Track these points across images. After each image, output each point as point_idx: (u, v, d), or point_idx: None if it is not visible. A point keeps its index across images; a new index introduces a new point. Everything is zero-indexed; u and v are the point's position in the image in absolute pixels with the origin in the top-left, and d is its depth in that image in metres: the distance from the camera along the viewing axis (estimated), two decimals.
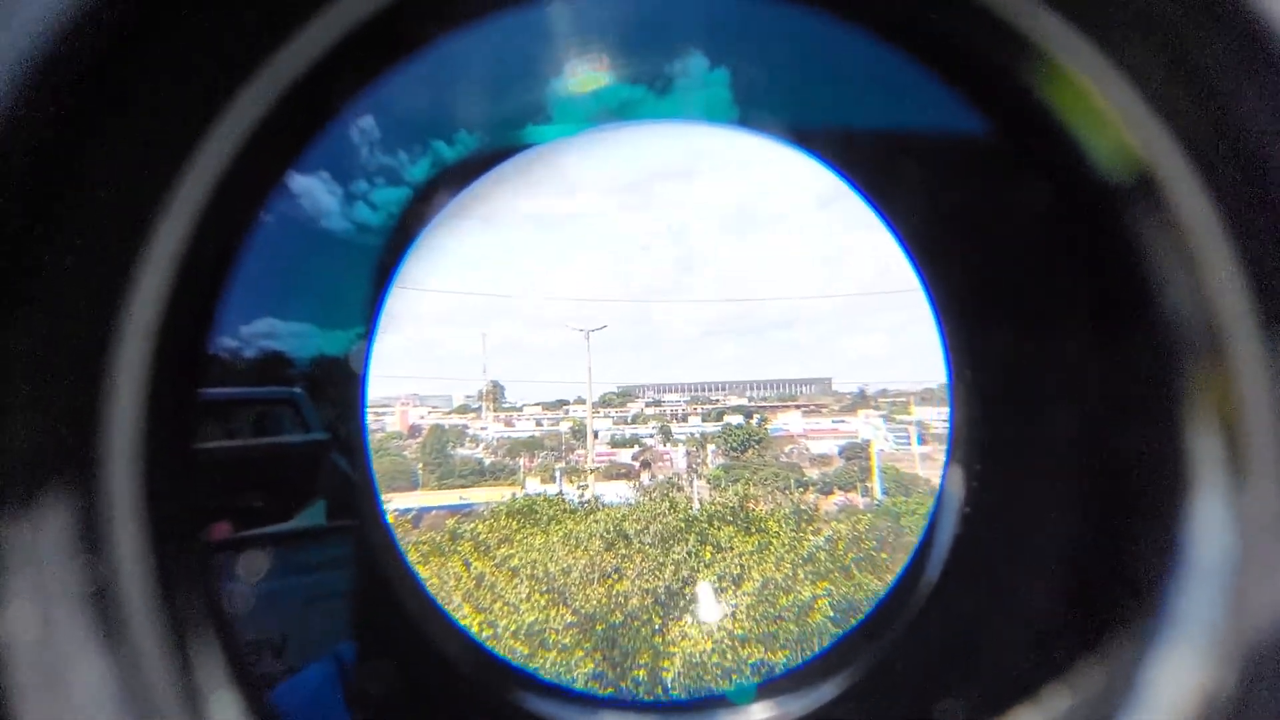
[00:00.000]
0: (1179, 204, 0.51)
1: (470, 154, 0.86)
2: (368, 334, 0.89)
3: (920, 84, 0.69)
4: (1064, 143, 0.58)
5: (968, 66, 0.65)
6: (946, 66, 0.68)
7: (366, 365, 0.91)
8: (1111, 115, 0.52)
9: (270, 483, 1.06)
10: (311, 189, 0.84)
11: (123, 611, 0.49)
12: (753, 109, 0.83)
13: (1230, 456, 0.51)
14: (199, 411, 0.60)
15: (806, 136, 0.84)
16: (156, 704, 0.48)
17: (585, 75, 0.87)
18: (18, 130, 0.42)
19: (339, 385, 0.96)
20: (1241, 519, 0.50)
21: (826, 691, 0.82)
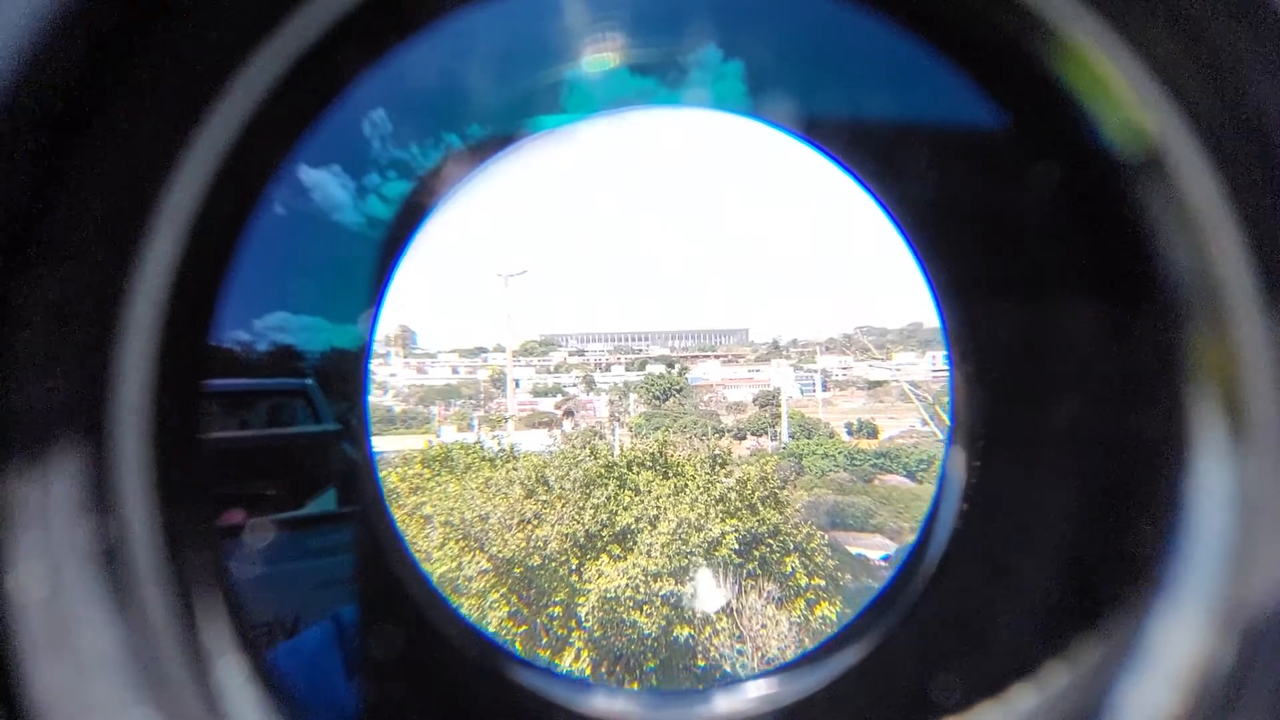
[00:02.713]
0: (1188, 182, 0.49)
1: (476, 140, 0.84)
2: (369, 323, 0.87)
3: (928, 66, 0.68)
4: (1074, 122, 0.57)
5: (979, 46, 0.64)
6: (956, 46, 0.67)
7: (369, 354, 0.89)
8: (1123, 93, 0.51)
9: (284, 471, 1.06)
10: (321, 181, 0.83)
11: (131, 573, 0.49)
12: (764, 98, 0.80)
13: (1232, 433, 0.50)
14: (208, 375, 0.59)
15: (812, 123, 0.82)
16: (164, 665, 0.49)
17: (597, 62, 0.84)
18: (26, 99, 0.42)
19: (347, 376, 0.94)
20: (1243, 494, 0.50)
21: (827, 671, 0.80)
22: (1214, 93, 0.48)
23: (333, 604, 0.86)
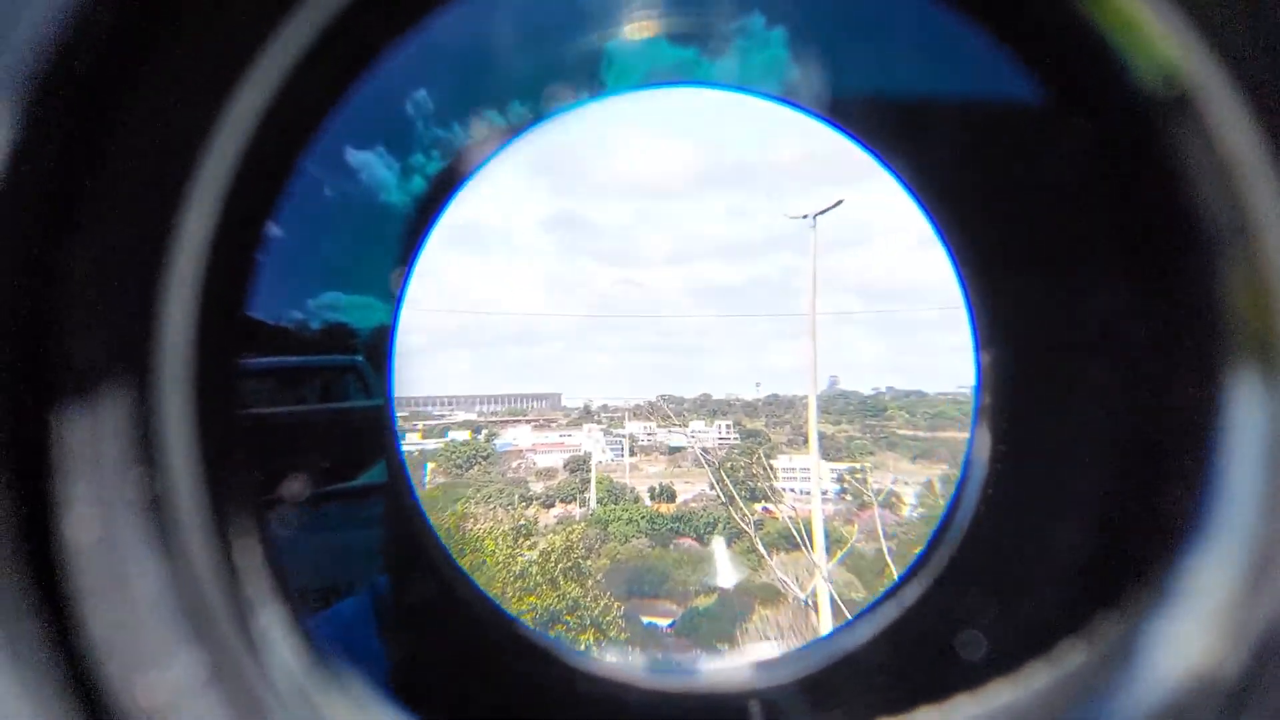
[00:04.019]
0: (1221, 123, 0.48)
1: (511, 112, 0.83)
2: (395, 301, 0.88)
3: (951, 24, 0.67)
4: (1102, 65, 0.55)
5: None
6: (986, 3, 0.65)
7: (395, 329, 0.89)
8: (1152, 30, 0.49)
9: (337, 443, 0.96)
10: (366, 162, 0.83)
11: (177, 523, 0.51)
12: (803, 66, 0.78)
13: (1268, 386, 0.49)
14: (246, 344, 0.61)
15: (836, 94, 0.80)
16: (209, 611, 0.51)
17: (634, 32, 0.82)
18: (69, 67, 0.44)
19: (385, 351, 0.90)
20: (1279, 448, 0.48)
21: (853, 638, 0.80)
22: (1248, 27, 0.46)
23: (372, 571, 0.82)
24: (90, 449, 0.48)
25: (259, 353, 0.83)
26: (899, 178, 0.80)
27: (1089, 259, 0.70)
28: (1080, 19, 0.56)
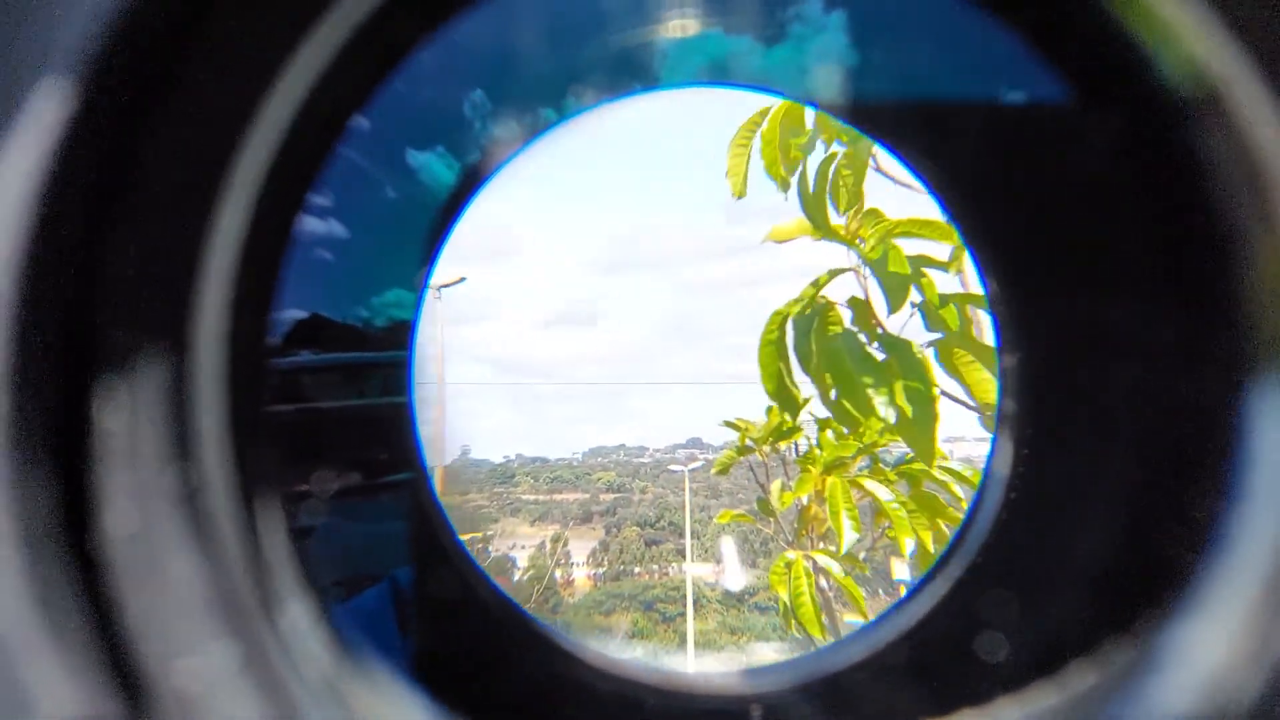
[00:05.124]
0: (1251, 123, 0.47)
1: (544, 107, 0.83)
2: (419, 289, 0.89)
3: (979, 27, 0.67)
4: (1127, 64, 0.55)
5: None
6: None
7: (415, 327, 0.90)
8: (1182, 27, 0.49)
9: (393, 436, 0.97)
10: (427, 162, 0.83)
11: (211, 517, 0.52)
12: (826, 70, 0.76)
13: None
14: (279, 333, 0.63)
15: (863, 100, 0.79)
16: (241, 602, 0.52)
17: (686, 24, 0.81)
18: (114, 65, 0.45)
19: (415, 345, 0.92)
20: None
21: (869, 642, 0.80)
22: (1278, 23, 0.46)
23: (395, 566, 0.86)
24: (129, 442, 0.50)
25: (323, 349, 0.85)
26: (922, 179, 0.79)
27: (1114, 260, 0.70)
28: (1106, 15, 0.55)
